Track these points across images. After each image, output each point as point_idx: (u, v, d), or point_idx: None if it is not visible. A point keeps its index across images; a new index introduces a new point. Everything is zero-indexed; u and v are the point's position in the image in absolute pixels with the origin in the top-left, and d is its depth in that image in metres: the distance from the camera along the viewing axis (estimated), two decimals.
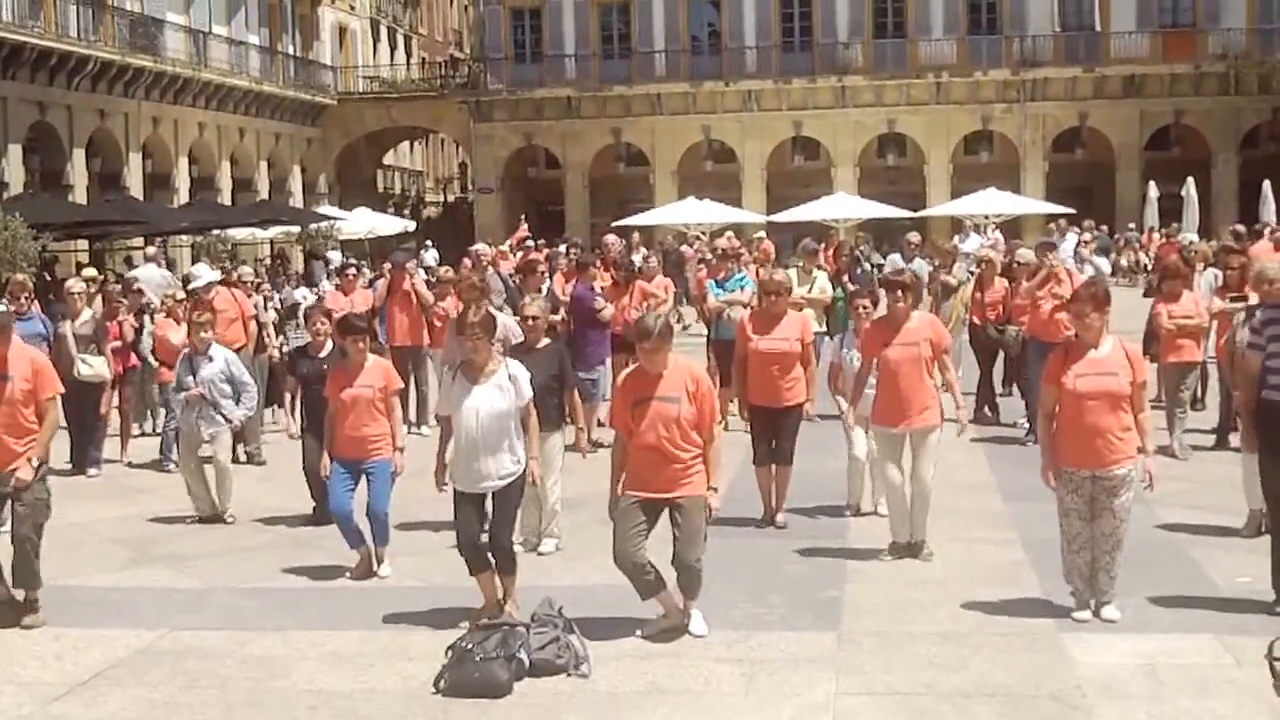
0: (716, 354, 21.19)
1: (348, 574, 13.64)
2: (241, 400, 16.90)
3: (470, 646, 10.29)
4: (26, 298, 19.60)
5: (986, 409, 21.88)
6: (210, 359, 16.72)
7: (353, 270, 24.77)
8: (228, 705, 10.10)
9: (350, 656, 11.09)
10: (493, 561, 11.75)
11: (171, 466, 19.41)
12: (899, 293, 13.86)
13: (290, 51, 71.24)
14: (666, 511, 11.26)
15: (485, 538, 11.77)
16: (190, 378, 16.61)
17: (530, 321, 14.13)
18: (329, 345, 15.36)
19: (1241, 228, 35.66)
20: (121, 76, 54.72)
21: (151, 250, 37.16)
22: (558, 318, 20.05)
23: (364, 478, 13.66)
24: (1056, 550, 13.00)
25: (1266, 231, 37.13)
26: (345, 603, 12.80)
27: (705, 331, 22.76)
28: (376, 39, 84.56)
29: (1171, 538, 14.03)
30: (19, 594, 12.40)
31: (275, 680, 10.63)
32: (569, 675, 10.43)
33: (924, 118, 70.90)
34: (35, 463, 12.36)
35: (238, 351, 20.09)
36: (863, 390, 14.24)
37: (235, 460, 19.90)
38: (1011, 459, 18.35)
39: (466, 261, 25.36)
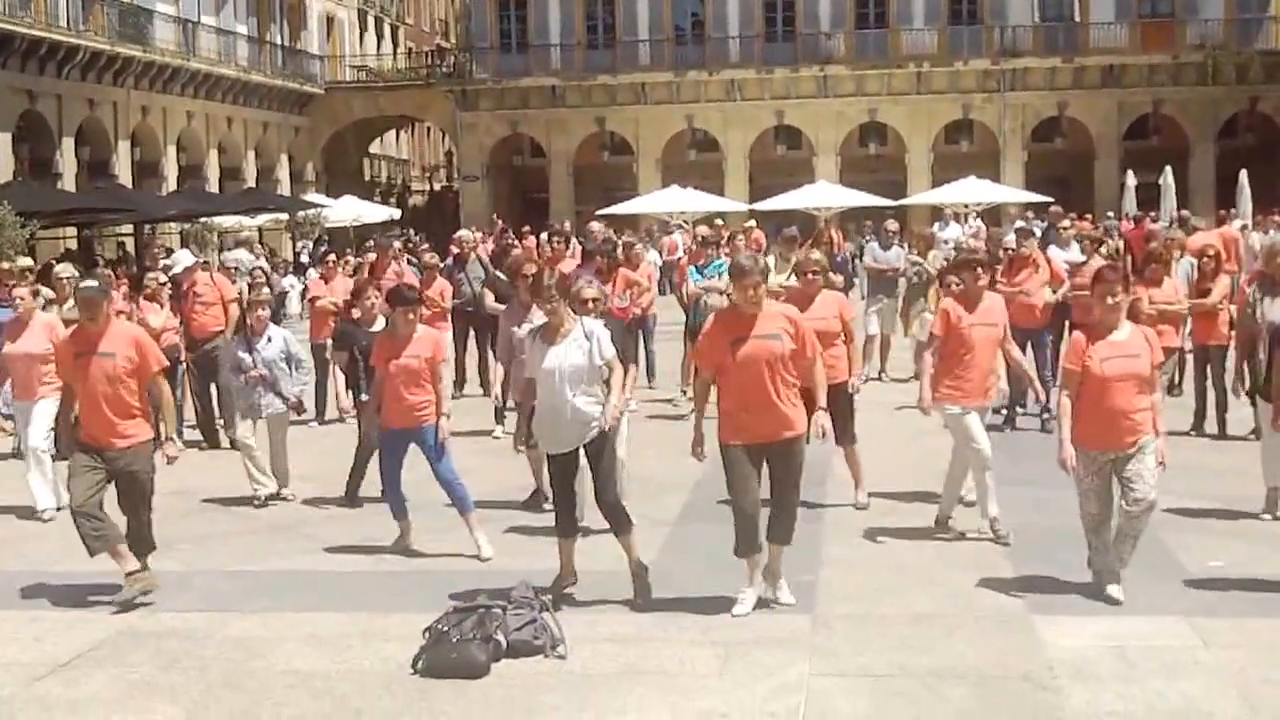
0: (695, 340, 21.19)
1: (389, 549, 13.80)
2: (295, 377, 17.00)
3: (447, 628, 10.36)
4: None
5: None
6: (270, 340, 16.83)
7: (333, 258, 24.84)
8: (207, 685, 10.18)
9: (329, 638, 11.16)
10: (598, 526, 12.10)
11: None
12: (977, 271, 14.01)
13: (278, 41, 71.26)
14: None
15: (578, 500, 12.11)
16: (248, 357, 16.62)
17: (591, 304, 14.17)
18: (381, 319, 15.34)
19: (1186, 213, 36.21)
20: (111, 66, 54.73)
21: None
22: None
23: (414, 446, 13.73)
24: (1030, 534, 13.18)
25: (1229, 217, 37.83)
26: (325, 585, 12.86)
27: (684, 318, 22.74)
28: (364, 28, 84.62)
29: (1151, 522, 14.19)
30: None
31: (254, 661, 10.70)
32: (546, 656, 10.49)
33: (905, 107, 71.13)
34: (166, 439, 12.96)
35: (217, 335, 20.23)
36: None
37: (216, 446, 20.06)
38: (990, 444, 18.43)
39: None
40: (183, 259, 22.08)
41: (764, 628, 11.12)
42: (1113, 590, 11.61)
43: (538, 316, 14.47)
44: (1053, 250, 23.07)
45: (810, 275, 14.92)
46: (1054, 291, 20.34)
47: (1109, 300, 11.68)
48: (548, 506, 14.92)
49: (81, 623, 11.78)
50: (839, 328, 14.91)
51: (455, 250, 24.79)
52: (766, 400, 11.23)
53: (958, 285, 14.50)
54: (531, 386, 12.12)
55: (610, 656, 10.60)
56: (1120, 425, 11.51)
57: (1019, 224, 28.30)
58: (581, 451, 11.94)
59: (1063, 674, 9.92)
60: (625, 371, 13.79)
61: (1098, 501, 11.74)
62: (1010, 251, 21.16)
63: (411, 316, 13.74)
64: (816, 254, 15.58)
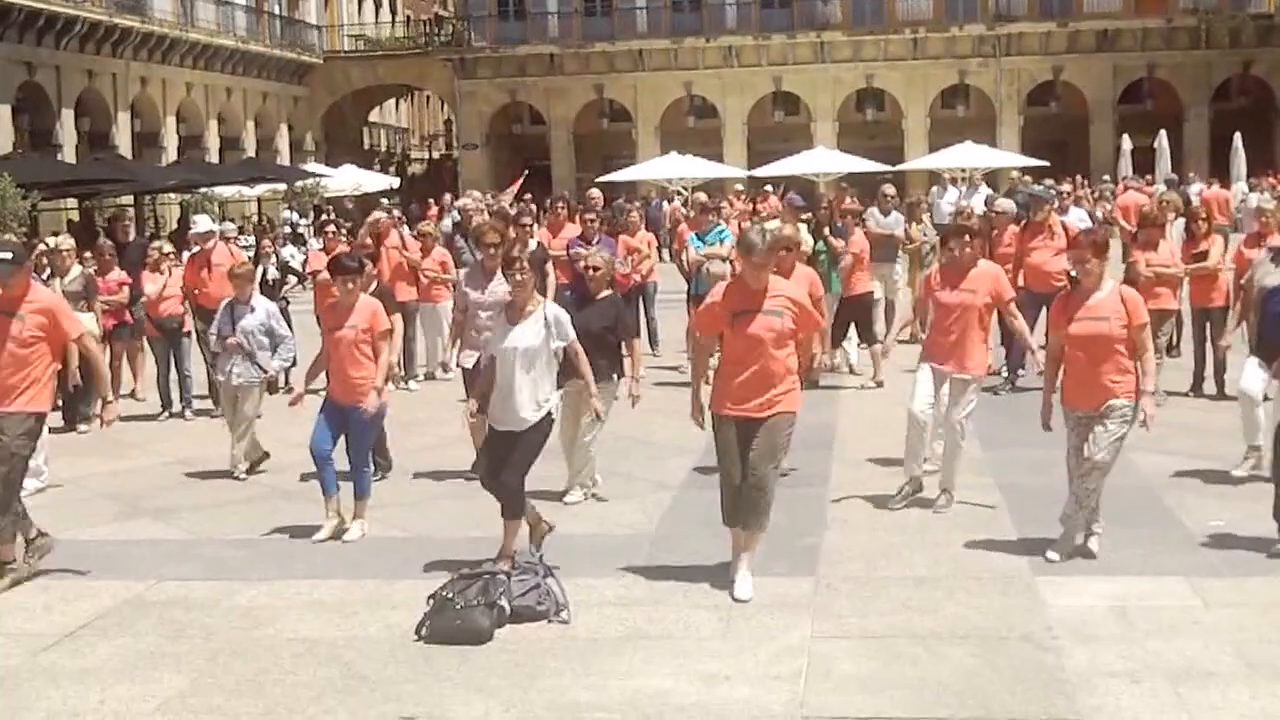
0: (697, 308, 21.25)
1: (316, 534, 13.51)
2: (278, 352, 16.87)
3: (451, 595, 10.40)
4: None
5: None
6: (252, 309, 16.74)
7: (333, 228, 24.81)
8: (213, 654, 10.21)
9: (334, 605, 11.21)
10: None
11: (164, 416, 20.07)
12: (966, 238, 14.01)
13: (276, 11, 71.21)
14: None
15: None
16: (230, 326, 16.58)
17: (592, 272, 14.17)
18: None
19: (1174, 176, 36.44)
20: (109, 37, 54.77)
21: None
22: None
23: (349, 421, 13.54)
24: (1031, 496, 13.23)
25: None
26: (330, 553, 12.90)
27: (685, 287, 22.75)
28: None
29: (1144, 482, 14.18)
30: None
31: (260, 629, 10.74)
32: (550, 622, 10.54)
33: (902, 73, 71.20)
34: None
35: None
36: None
37: None
38: (989, 407, 18.44)
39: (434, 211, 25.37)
40: (203, 222, 22.16)
41: (766, 591, 11.13)
42: (1077, 545, 11.89)
43: (497, 284, 14.47)
44: (1071, 215, 23.12)
45: (783, 252, 14.96)
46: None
47: (1084, 266, 11.89)
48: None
49: (88, 592, 11.81)
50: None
51: (456, 219, 24.77)
52: (760, 377, 11.16)
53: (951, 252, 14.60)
54: (491, 362, 11.99)
55: (614, 621, 10.65)
56: (1090, 385, 11.70)
57: (1035, 190, 28.28)
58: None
59: (1063, 634, 9.97)
60: (631, 347, 13.92)
61: (1075, 457, 11.92)
62: (995, 216, 21.27)
63: (350, 286, 13.51)
64: (789, 229, 15.49)
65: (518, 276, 11.87)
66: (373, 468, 13.83)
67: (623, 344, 14.18)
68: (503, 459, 11.73)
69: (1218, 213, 30.35)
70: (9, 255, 12.33)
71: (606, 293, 14.29)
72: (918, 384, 13.82)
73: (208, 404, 20.46)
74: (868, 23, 70.59)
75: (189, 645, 10.45)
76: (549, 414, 11.88)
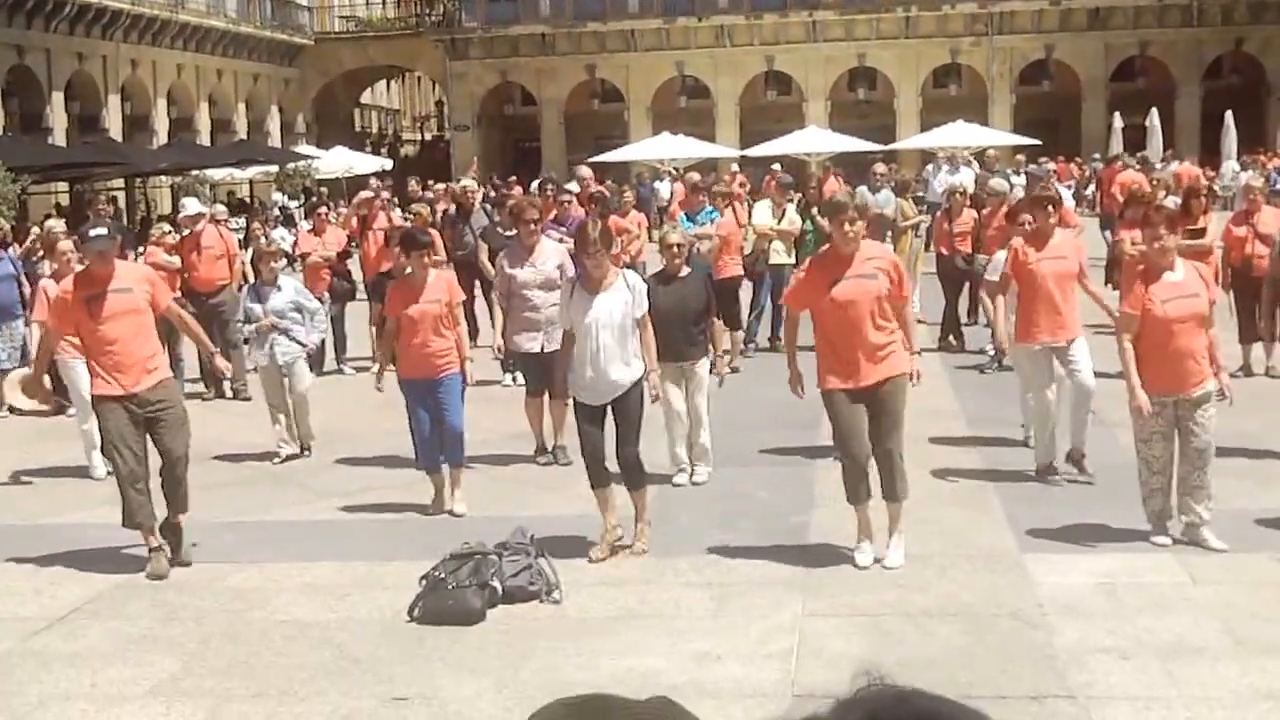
0: None
1: (429, 510, 13.54)
2: (315, 323, 16.92)
3: (443, 575, 10.44)
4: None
5: (952, 337, 22.06)
6: (279, 288, 16.72)
7: (324, 210, 24.77)
8: (205, 637, 10.25)
9: (326, 587, 11.25)
10: (619, 478, 11.89)
11: None
12: (1048, 209, 13.95)
13: None
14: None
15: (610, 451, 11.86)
16: (258, 307, 16.53)
17: (674, 249, 14.16)
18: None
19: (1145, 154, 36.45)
20: (100, 19, 54.63)
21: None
22: None
23: (435, 395, 13.50)
24: (1018, 474, 13.24)
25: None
26: (322, 535, 12.94)
27: None
28: None
29: (1130, 460, 14.18)
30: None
31: (252, 611, 10.78)
32: (542, 602, 10.59)
33: (894, 52, 70.96)
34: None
35: (223, 289, 20.28)
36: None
37: (221, 396, 20.14)
38: (976, 386, 18.55)
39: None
40: (191, 205, 22.12)
41: (757, 570, 11.19)
42: (1160, 539, 11.51)
43: (541, 261, 14.57)
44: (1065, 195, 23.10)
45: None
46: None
47: (1157, 243, 11.51)
48: (541, 461, 15.03)
49: (79, 576, 11.85)
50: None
51: (457, 201, 24.72)
52: (866, 342, 11.00)
53: (1030, 224, 14.44)
54: (570, 338, 11.90)
55: (605, 600, 10.69)
56: (1186, 367, 11.32)
57: (1031, 168, 28.33)
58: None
59: (1053, 611, 10.01)
60: (711, 327, 13.98)
61: (1163, 444, 11.50)
62: (987, 196, 21.27)
63: (426, 260, 13.58)
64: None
65: (593, 257, 11.79)
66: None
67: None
68: (611, 432, 11.79)
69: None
70: (104, 230, 12.40)
71: (686, 270, 14.27)
72: (1049, 364, 13.79)
73: (199, 387, 20.44)
74: (859, 2, 70.38)
75: (181, 628, 10.49)
76: (644, 372, 11.90)
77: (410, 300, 13.43)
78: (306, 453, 16.48)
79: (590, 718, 2.12)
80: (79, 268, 12.92)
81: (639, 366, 11.84)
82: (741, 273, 21.27)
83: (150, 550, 11.93)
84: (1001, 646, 9.41)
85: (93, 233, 12.34)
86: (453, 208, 25.23)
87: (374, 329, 16.23)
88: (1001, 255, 14.54)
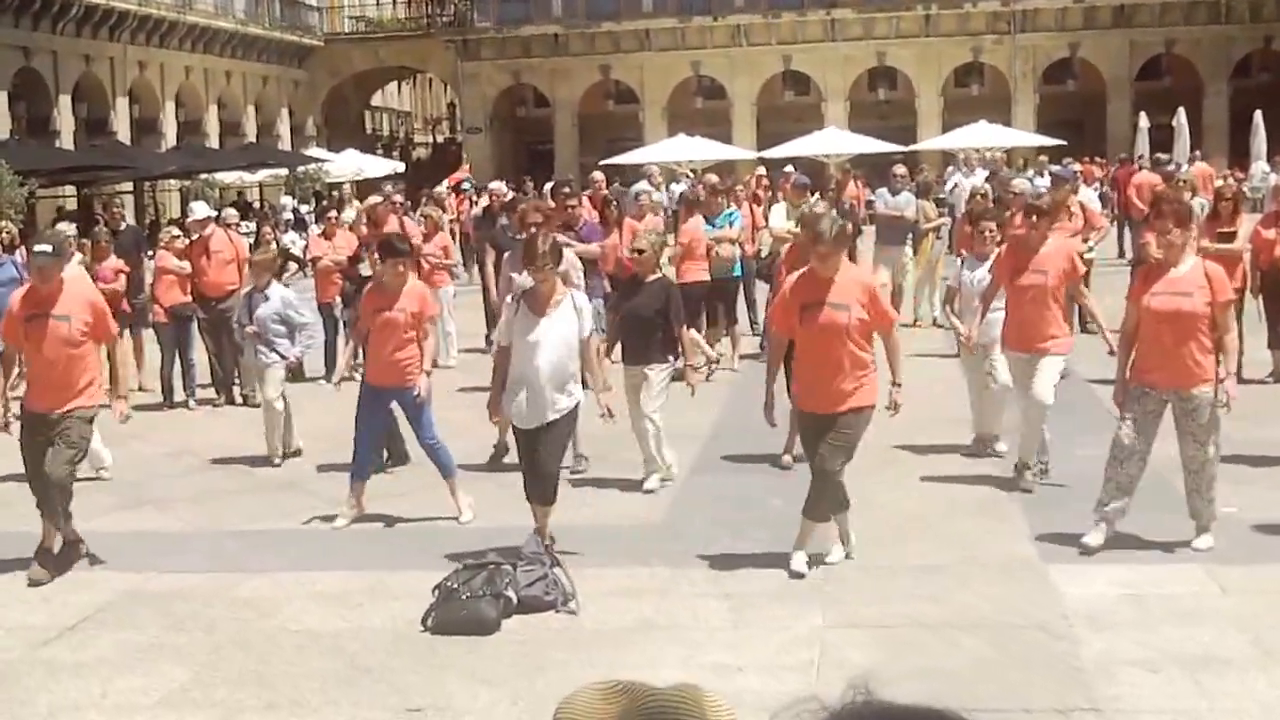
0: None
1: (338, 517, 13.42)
2: (298, 338, 16.87)
3: (457, 585, 10.32)
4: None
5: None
6: (267, 298, 16.73)
7: (334, 214, 24.71)
8: (215, 646, 10.14)
9: (337, 596, 11.13)
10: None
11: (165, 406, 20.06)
12: (1035, 218, 13.81)
13: None
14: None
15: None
16: (248, 315, 16.65)
17: (639, 255, 14.06)
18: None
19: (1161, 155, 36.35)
20: (107, 20, 54.57)
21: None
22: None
23: (397, 405, 13.57)
24: (1038, 483, 13.10)
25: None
26: (332, 543, 12.82)
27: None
28: None
29: (1156, 468, 14.00)
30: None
31: (263, 621, 10.67)
32: (557, 612, 10.47)
33: (914, 51, 70.66)
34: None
35: (232, 294, 20.17)
36: (986, 312, 14.13)
37: (231, 402, 20.08)
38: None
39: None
40: (199, 209, 22.05)
41: (775, 580, 11.04)
42: (1089, 540, 11.47)
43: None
44: (1084, 195, 22.95)
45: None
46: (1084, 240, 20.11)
47: (1166, 238, 11.47)
48: (506, 460, 14.82)
49: (87, 585, 11.74)
50: None
51: (485, 202, 24.70)
52: (829, 372, 10.95)
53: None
54: (505, 354, 11.77)
55: (621, 611, 10.55)
56: (1173, 363, 11.25)
57: (1055, 169, 28.21)
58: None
59: (1078, 623, 9.86)
60: (681, 335, 13.89)
61: (1132, 433, 11.45)
62: (1011, 197, 21.13)
63: (401, 268, 13.48)
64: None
65: (541, 272, 11.63)
66: (443, 444, 13.65)
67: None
68: (538, 454, 11.67)
69: (1202, 188, 30.30)
70: (47, 247, 12.27)
71: (653, 276, 14.17)
72: (998, 368, 14.01)
73: (210, 393, 20.36)
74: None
75: (190, 637, 10.38)
76: (578, 403, 11.79)
77: (382, 307, 13.41)
78: (277, 461, 16.35)
79: (618, 699, 2.40)
80: (77, 271, 12.86)
81: (577, 393, 11.72)
82: (707, 278, 20.96)
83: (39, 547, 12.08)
84: (1026, 658, 9.26)
85: (37, 248, 12.29)
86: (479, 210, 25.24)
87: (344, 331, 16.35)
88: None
